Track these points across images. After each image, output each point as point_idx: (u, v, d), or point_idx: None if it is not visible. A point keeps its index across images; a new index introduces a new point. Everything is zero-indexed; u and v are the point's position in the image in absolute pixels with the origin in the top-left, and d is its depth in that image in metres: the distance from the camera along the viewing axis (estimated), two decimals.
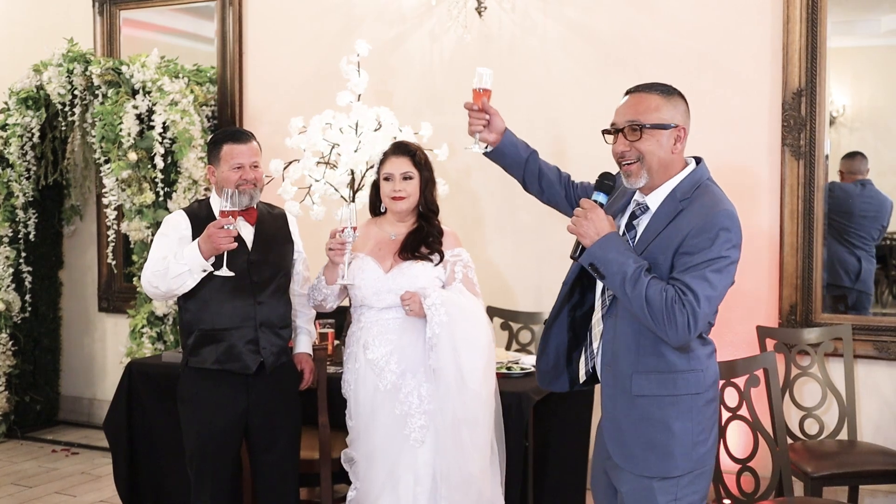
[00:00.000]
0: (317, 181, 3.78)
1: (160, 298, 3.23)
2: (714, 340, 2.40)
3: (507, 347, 4.49)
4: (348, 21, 4.99)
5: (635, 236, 2.35)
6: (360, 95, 3.94)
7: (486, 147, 2.72)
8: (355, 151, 3.79)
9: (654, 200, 2.34)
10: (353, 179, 3.92)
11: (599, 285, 2.44)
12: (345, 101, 3.93)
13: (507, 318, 4.62)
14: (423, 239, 3.20)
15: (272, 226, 3.32)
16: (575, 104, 4.57)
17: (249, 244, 3.23)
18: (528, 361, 3.86)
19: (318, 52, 5.02)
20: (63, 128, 5.34)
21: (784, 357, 3.92)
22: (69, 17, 5.77)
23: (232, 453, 3.22)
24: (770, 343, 3.95)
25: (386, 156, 3.26)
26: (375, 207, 3.29)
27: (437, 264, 3.18)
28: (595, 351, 2.44)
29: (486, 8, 4.63)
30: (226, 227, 2.94)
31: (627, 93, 2.38)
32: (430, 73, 4.86)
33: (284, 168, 3.93)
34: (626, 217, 2.40)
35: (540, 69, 4.65)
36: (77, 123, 5.25)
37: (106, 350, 5.90)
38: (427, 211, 3.23)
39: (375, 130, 3.87)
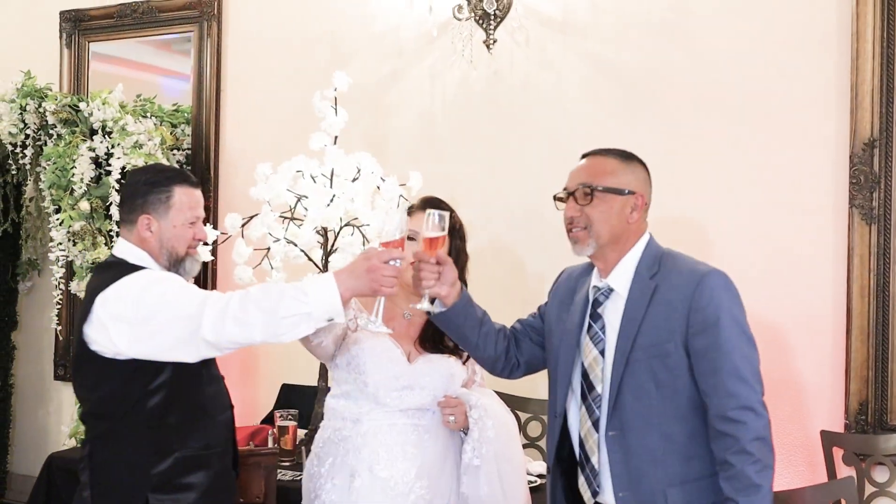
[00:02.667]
0: (276, 241, 3.08)
1: (233, 348, 2.19)
2: None
3: None
4: (336, 55, 4.33)
5: (603, 327, 2.12)
6: (336, 138, 3.27)
7: (438, 307, 2.21)
8: (327, 206, 3.09)
9: (618, 282, 2.15)
10: (325, 239, 3.23)
11: (575, 391, 2.16)
12: (318, 144, 3.25)
13: (513, 406, 3.87)
14: None
15: None
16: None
17: None
18: (535, 469, 3.16)
19: (301, 89, 4.34)
20: (14, 172, 4.71)
21: (855, 471, 3.14)
22: (35, 49, 5.18)
23: None
24: (837, 453, 3.18)
25: (413, 210, 2.58)
26: None
27: (465, 361, 2.57)
28: (596, 470, 2.10)
29: (495, 41, 3.97)
30: (393, 262, 2.13)
31: (583, 156, 2.23)
32: (429, 115, 4.19)
33: (243, 224, 3.24)
34: (589, 307, 2.17)
35: (557, 111, 3.95)
36: (29, 167, 4.61)
37: (61, 424, 5.19)
38: None
39: (353, 180, 3.19)
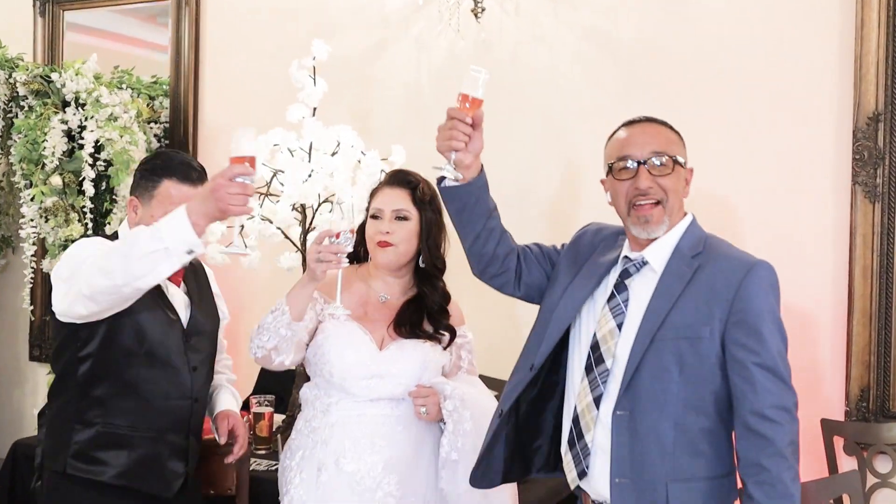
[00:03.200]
0: (251, 218, 2.92)
1: (108, 299, 2.10)
2: None
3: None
4: (320, 25, 4.15)
5: (627, 300, 1.98)
6: (315, 109, 3.11)
7: (457, 176, 2.03)
8: (305, 181, 2.93)
9: (655, 257, 2.00)
10: (304, 216, 3.07)
11: (576, 360, 2.02)
12: (297, 116, 3.09)
13: (499, 390, 3.74)
14: (427, 310, 2.37)
15: (199, 285, 2.51)
16: (592, 130, 3.66)
17: (185, 317, 2.39)
18: None
19: (284, 61, 4.14)
20: None
21: (856, 461, 3.02)
22: (7, 18, 4.98)
23: None
24: (838, 442, 3.05)
25: (379, 186, 2.45)
26: (358, 253, 2.44)
27: (446, 347, 2.39)
28: (588, 449, 1.95)
29: (483, 10, 3.79)
30: (241, 178, 1.96)
31: (633, 122, 2.08)
32: (416, 87, 4.02)
33: None
34: (615, 276, 2.03)
35: (549, 86, 3.79)
36: (0, 140, 4.44)
37: (37, 404, 5.04)
38: (431, 268, 2.40)
39: (333, 154, 3.03)
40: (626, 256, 2.04)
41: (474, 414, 2.28)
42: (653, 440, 1.89)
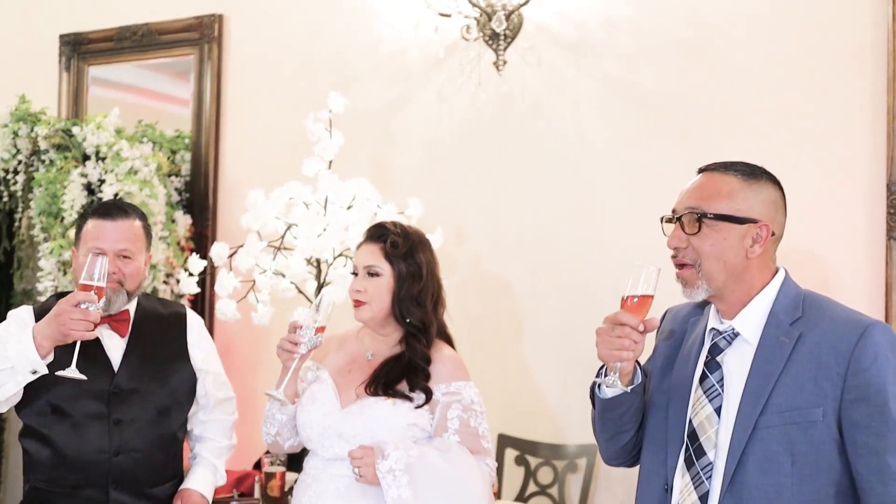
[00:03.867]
0: (263, 272, 2.86)
1: None
2: None
3: (521, 494, 3.47)
4: (341, 78, 4.13)
5: (721, 379, 1.75)
6: (330, 163, 3.06)
7: (623, 389, 1.80)
8: (319, 235, 2.87)
9: (746, 326, 1.78)
10: (318, 271, 3.01)
11: (678, 469, 1.78)
12: (312, 169, 3.04)
13: (522, 451, 3.62)
14: (406, 370, 2.26)
15: (157, 336, 2.42)
16: (615, 181, 3.63)
17: (116, 365, 2.35)
18: None
19: (302, 114, 4.11)
20: (6, 199, 4.53)
21: None
22: (34, 73, 5.03)
23: None
24: None
25: (360, 243, 2.37)
26: None
27: (419, 406, 2.24)
28: None
29: (505, 62, 3.75)
30: (84, 305, 2.09)
31: (700, 171, 1.87)
32: (435, 140, 3.97)
33: (230, 255, 3.02)
34: (705, 353, 1.81)
35: (571, 137, 3.73)
36: (21, 194, 4.44)
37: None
38: (406, 324, 2.29)
39: (349, 207, 2.97)
40: (714, 328, 1.83)
41: (416, 478, 2.12)
42: None
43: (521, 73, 3.81)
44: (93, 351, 2.33)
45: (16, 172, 4.38)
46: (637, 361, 1.82)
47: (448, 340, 2.38)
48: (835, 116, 3.25)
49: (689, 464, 1.74)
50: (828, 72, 3.26)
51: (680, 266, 1.80)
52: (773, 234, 1.79)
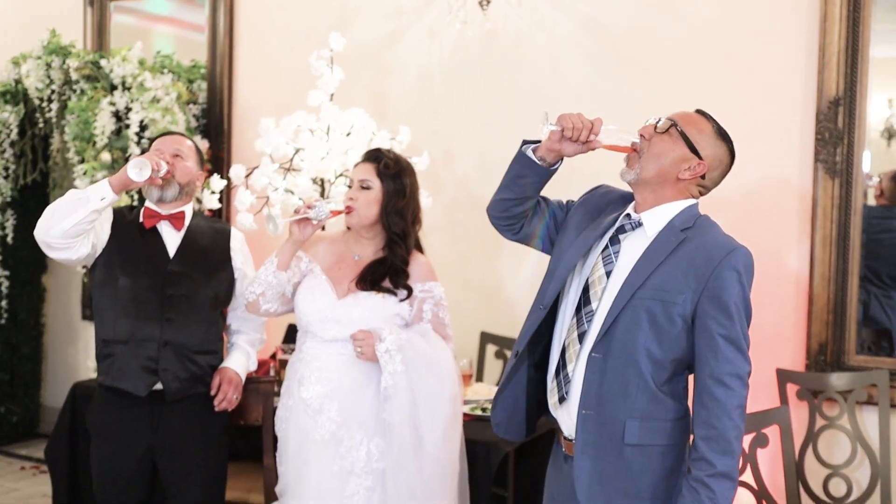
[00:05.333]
0: (275, 190, 3.36)
1: (50, 248, 2.72)
2: None
3: (499, 380, 4.03)
4: (342, 15, 4.56)
5: (619, 252, 2.16)
6: (332, 95, 3.53)
7: (551, 128, 2.20)
8: (322, 158, 3.36)
9: (650, 222, 2.16)
10: (322, 189, 3.51)
11: (570, 299, 2.20)
12: (316, 101, 3.51)
13: (501, 346, 4.17)
14: (389, 270, 2.75)
15: (207, 240, 2.93)
16: (585, 110, 4.06)
17: (172, 252, 2.86)
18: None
19: (307, 48, 4.57)
20: (41, 125, 5.01)
21: (808, 405, 3.40)
22: (60, 7, 5.44)
23: (139, 496, 2.83)
24: (792, 389, 3.43)
25: (357, 164, 2.86)
26: None
27: (402, 300, 2.74)
28: (569, 378, 2.15)
29: (489, 2, 4.18)
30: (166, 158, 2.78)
31: (696, 111, 2.23)
32: (427, 74, 4.42)
33: (247, 175, 3.52)
34: (613, 230, 2.20)
35: (547, 70, 4.18)
36: (55, 120, 4.91)
37: (89, 360, 5.55)
38: (390, 232, 2.77)
39: (348, 134, 3.45)
40: (627, 214, 2.20)
41: (407, 357, 2.61)
42: (617, 383, 2.08)
43: (503, 12, 4.23)
44: (153, 238, 2.85)
45: (49, 101, 4.84)
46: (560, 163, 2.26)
47: (421, 251, 2.86)
48: (774, 53, 3.70)
49: (577, 309, 2.19)
50: (769, 13, 3.70)
51: (633, 149, 2.16)
52: (702, 177, 2.17)
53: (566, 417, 2.17)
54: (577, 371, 2.14)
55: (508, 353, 4.11)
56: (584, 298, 2.17)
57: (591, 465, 2.09)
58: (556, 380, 2.19)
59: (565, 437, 2.19)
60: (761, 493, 2.58)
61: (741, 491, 2.60)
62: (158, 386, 2.82)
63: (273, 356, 3.77)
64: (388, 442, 2.61)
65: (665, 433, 2.10)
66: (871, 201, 3.64)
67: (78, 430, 3.50)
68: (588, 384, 2.10)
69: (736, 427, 2.04)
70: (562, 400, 2.17)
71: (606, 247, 2.18)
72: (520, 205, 2.30)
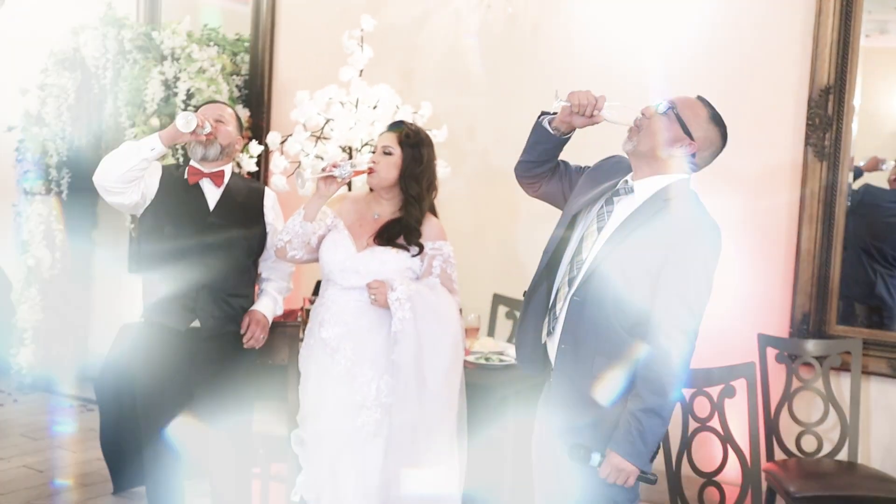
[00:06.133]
0: (307, 155, 3.73)
1: (107, 191, 3.06)
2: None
3: (510, 339, 4.38)
4: None
5: (611, 212, 2.40)
6: (361, 71, 3.87)
7: (562, 104, 2.49)
8: (350, 128, 3.72)
9: (641, 190, 2.40)
10: (350, 156, 3.86)
11: (568, 254, 2.47)
12: (346, 76, 3.86)
13: (511, 307, 4.51)
14: (404, 228, 3.08)
15: (243, 197, 3.29)
16: (600, 88, 4.35)
17: (212, 206, 3.22)
18: (514, 354, 3.75)
19: (342, 27, 4.94)
20: (96, 91, 5.41)
21: (786, 368, 3.71)
22: None
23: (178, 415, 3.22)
24: (771, 353, 3.74)
25: (383, 132, 3.20)
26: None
27: (414, 255, 3.07)
28: (556, 315, 2.43)
29: None
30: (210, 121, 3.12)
31: (697, 97, 2.45)
32: (452, 53, 4.75)
33: (282, 142, 3.89)
34: (610, 192, 2.45)
35: (563, 51, 4.49)
36: (109, 87, 5.31)
37: (134, 310, 5.96)
38: (407, 195, 3.09)
39: (374, 108, 3.80)
40: (625, 180, 2.43)
41: (416, 305, 2.91)
42: (591, 324, 2.34)
43: None
44: (196, 193, 3.21)
45: (105, 69, 5.24)
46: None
47: (435, 214, 3.18)
48: (771, 42, 3.98)
49: (572, 257, 2.48)
50: (769, 4, 3.98)
51: (636, 126, 2.40)
52: (692, 155, 2.39)
53: (552, 349, 2.49)
54: (563, 311, 2.43)
55: (517, 313, 4.45)
56: (578, 248, 2.46)
57: (564, 390, 2.41)
58: (548, 315, 2.49)
59: (552, 368, 2.51)
60: (726, 438, 2.89)
61: (709, 435, 2.93)
62: (196, 323, 3.18)
63: (302, 308, 4.14)
64: (395, 379, 2.95)
65: (627, 368, 2.34)
66: (857, 185, 3.91)
67: (123, 368, 3.90)
68: (567, 323, 2.40)
69: (672, 374, 2.27)
70: (549, 334, 2.47)
71: (602, 206, 2.45)
72: (539, 166, 2.61)
